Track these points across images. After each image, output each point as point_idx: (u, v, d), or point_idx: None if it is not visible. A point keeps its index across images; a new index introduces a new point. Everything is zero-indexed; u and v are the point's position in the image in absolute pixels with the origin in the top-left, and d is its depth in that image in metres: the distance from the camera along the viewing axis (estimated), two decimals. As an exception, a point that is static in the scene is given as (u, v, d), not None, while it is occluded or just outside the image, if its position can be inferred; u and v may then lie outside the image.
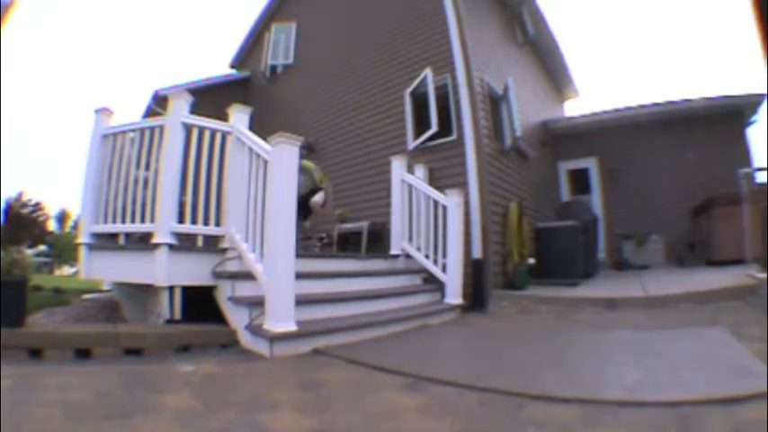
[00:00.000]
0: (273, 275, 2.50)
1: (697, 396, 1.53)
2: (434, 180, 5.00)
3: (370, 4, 7.01)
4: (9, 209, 35.13)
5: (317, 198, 4.37)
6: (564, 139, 9.00)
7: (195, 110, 3.21)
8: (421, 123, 5.44)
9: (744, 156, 7.29)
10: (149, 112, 7.82)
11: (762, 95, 7.05)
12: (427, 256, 4.27)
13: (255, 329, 2.48)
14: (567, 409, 1.48)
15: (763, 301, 3.29)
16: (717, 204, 6.04)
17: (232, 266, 3.00)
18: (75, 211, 39.78)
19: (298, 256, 2.57)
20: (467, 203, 4.51)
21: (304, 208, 4.14)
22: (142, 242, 3.19)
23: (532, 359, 2.34)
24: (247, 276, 2.78)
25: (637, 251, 7.66)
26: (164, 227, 2.90)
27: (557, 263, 5.27)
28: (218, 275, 2.97)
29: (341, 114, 6.93)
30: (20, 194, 37.88)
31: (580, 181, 8.85)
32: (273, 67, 8.83)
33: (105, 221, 3.20)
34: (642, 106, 8.17)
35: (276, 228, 2.50)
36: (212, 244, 3.15)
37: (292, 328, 2.44)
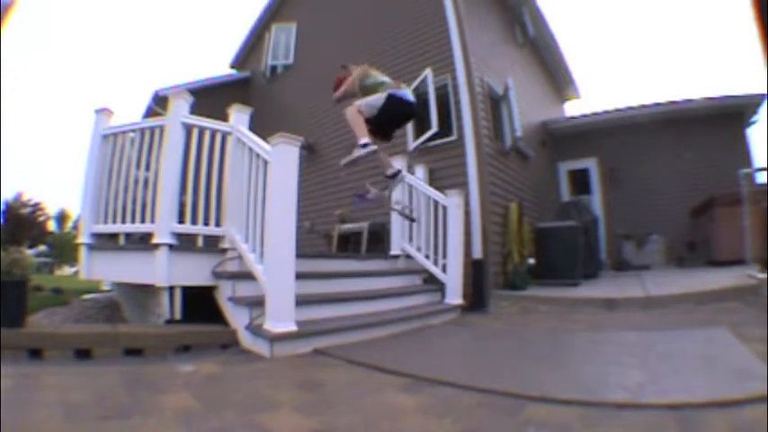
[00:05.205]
0: (274, 275, 2.50)
1: (698, 398, 1.52)
2: (435, 180, 5.00)
3: (370, 5, 7.01)
4: (8, 209, 35.09)
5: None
6: (564, 139, 9.00)
7: (195, 110, 3.21)
8: (421, 124, 5.44)
9: (744, 156, 7.29)
10: (149, 113, 7.82)
11: (762, 96, 7.05)
12: (427, 257, 4.27)
13: (256, 330, 2.48)
14: (567, 411, 1.48)
15: (763, 302, 3.29)
16: (717, 204, 6.04)
17: (232, 267, 3.00)
18: (74, 211, 39.81)
19: (298, 256, 2.57)
20: (467, 204, 4.51)
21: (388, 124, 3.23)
22: (142, 242, 3.19)
23: (533, 360, 2.33)
24: (248, 276, 2.78)
25: (637, 251, 7.66)
26: (164, 227, 2.89)
27: (557, 263, 5.26)
28: (218, 276, 2.97)
29: (341, 114, 6.90)
30: (19, 195, 37.89)
31: (580, 181, 8.85)
32: (274, 68, 8.84)
33: (105, 221, 3.19)
34: (643, 106, 8.16)
35: (276, 228, 2.50)
36: (212, 244, 3.15)
37: (292, 328, 2.44)
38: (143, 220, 3.06)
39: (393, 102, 3.06)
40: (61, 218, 45.89)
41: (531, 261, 5.22)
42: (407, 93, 3.18)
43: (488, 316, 3.95)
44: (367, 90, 3.19)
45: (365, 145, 2.99)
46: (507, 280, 4.92)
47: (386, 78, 3.27)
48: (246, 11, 10.64)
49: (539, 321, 3.59)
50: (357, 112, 3.09)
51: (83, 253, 3.17)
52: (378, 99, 3.08)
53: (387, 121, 3.18)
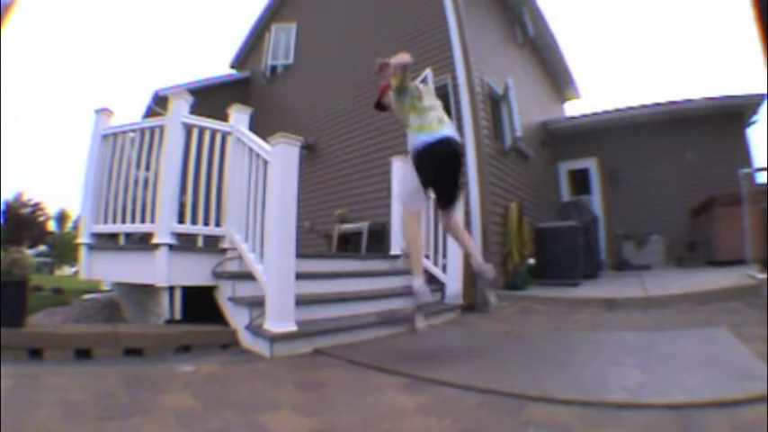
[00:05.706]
0: (274, 275, 2.50)
1: (698, 398, 1.52)
2: (435, 180, 4.99)
3: (370, 5, 7.01)
4: (8, 209, 35.10)
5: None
6: (564, 139, 9.00)
7: (195, 110, 3.21)
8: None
9: (744, 156, 7.29)
10: (149, 113, 7.83)
11: (762, 96, 7.05)
12: (427, 257, 4.26)
13: (256, 330, 2.48)
14: (567, 411, 1.48)
15: (763, 302, 3.29)
16: (717, 205, 6.04)
17: (232, 267, 3.00)
18: (74, 211, 39.85)
19: (298, 256, 2.57)
20: (467, 204, 4.51)
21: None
22: (142, 242, 3.19)
23: (533, 360, 2.33)
24: (248, 276, 2.78)
25: (637, 251, 7.66)
26: (164, 227, 2.90)
27: (557, 263, 5.26)
28: (218, 276, 2.97)
29: (341, 114, 6.93)
30: (19, 195, 37.90)
31: (580, 181, 8.86)
32: (273, 68, 8.84)
33: (105, 221, 3.20)
34: (643, 106, 8.17)
35: (276, 228, 2.50)
36: (212, 244, 3.15)
37: (292, 328, 2.44)
38: (143, 220, 3.06)
39: (426, 158, 2.17)
40: (61, 218, 45.91)
41: (531, 261, 5.22)
42: (437, 131, 2.23)
43: (488, 316, 3.95)
44: (400, 110, 2.51)
45: (418, 293, 2.26)
46: (507, 280, 4.91)
47: (427, 101, 2.36)
48: (246, 11, 10.65)
49: (539, 321, 3.59)
50: (411, 217, 2.26)
51: (83, 253, 3.18)
52: (413, 173, 2.25)
53: (438, 191, 2.40)
